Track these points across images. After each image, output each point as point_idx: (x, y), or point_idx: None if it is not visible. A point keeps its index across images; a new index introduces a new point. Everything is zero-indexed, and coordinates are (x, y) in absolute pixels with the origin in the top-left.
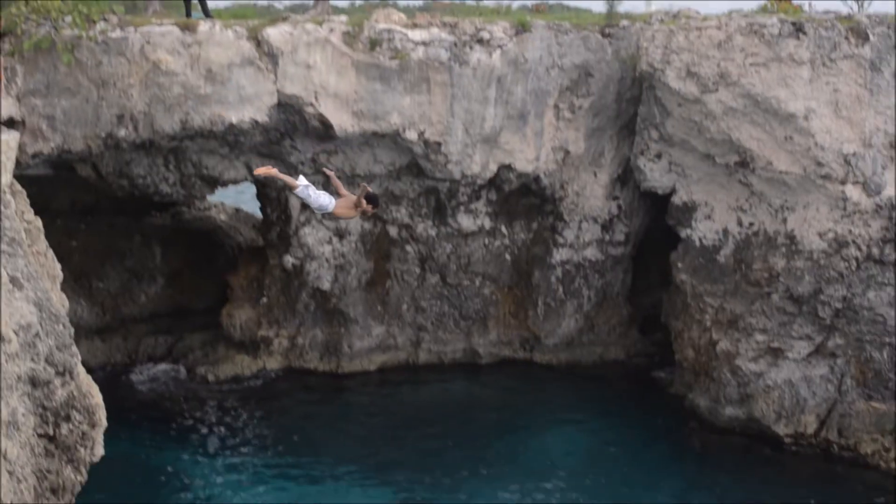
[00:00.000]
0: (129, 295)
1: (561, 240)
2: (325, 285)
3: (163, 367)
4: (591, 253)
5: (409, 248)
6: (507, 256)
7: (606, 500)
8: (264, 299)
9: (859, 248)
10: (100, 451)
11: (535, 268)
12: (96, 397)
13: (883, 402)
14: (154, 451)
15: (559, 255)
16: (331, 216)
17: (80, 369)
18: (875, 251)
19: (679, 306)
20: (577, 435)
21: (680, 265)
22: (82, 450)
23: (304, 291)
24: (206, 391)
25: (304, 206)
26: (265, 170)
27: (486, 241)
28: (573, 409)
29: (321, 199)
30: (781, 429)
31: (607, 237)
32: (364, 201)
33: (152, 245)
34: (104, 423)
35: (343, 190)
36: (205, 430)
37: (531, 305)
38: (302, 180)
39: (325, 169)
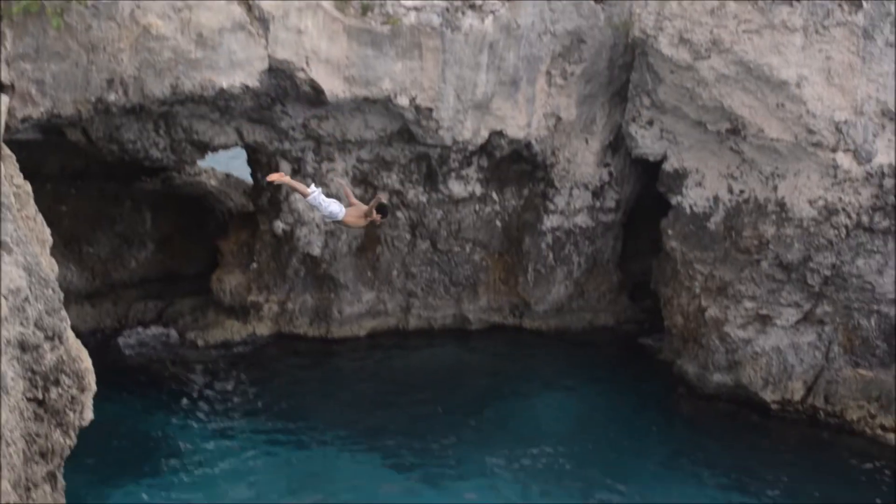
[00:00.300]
0: (118, 260)
1: (552, 206)
2: (316, 251)
3: (152, 331)
4: (582, 220)
5: (399, 214)
6: (498, 223)
7: (595, 465)
8: (254, 265)
9: (849, 216)
10: (89, 415)
11: (526, 234)
12: (85, 362)
13: (870, 370)
14: (143, 415)
15: (550, 221)
16: (340, 224)
17: (70, 334)
18: (865, 219)
19: (669, 273)
20: (566, 401)
21: (670, 232)
22: (71, 414)
23: (295, 257)
24: (195, 356)
25: (295, 171)
26: (278, 176)
27: (477, 207)
28: (562, 375)
29: (332, 206)
30: (768, 395)
31: (598, 204)
32: (374, 211)
33: (142, 210)
34: (93, 387)
35: (353, 199)
36: (194, 395)
37: (521, 272)
38: (313, 188)
39: (336, 178)
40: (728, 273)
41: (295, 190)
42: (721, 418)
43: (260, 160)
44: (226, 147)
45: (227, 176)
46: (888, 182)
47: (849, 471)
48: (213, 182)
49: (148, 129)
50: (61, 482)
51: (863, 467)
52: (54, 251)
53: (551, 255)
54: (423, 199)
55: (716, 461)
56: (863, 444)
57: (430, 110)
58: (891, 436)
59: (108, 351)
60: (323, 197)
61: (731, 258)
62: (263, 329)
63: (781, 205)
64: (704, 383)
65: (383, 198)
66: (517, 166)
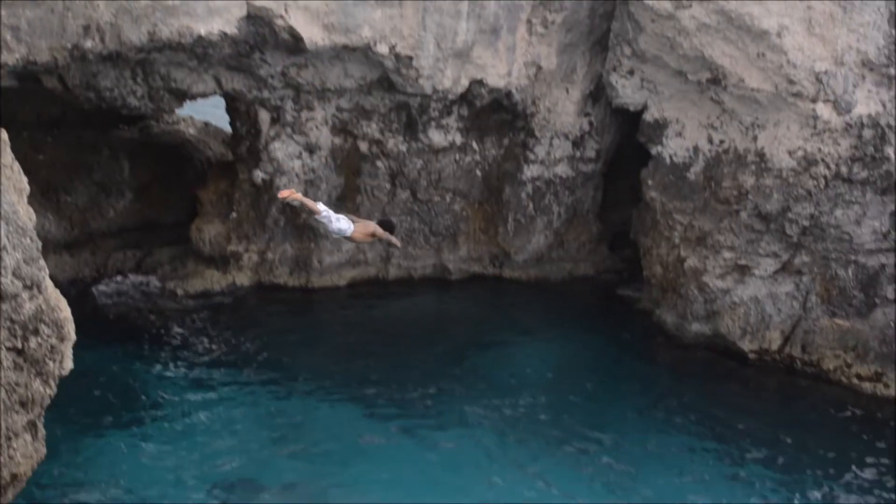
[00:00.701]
0: (97, 209)
1: (532, 156)
2: (295, 201)
3: (132, 281)
4: (562, 169)
5: (379, 163)
6: (478, 172)
7: (574, 413)
8: (234, 214)
9: (828, 167)
10: (69, 364)
11: (506, 184)
12: (65, 311)
13: (846, 320)
14: (124, 365)
15: (530, 171)
16: (348, 239)
17: (48, 283)
18: (843, 170)
19: (648, 223)
20: (546, 350)
21: (650, 182)
22: (51, 363)
23: (274, 206)
24: (175, 305)
25: (274, 120)
26: (288, 192)
27: (457, 156)
28: (542, 325)
29: (341, 223)
30: (746, 345)
31: (578, 154)
32: (380, 228)
33: (120, 159)
34: (73, 336)
35: (359, 218)
36: (174, 345)
37: (501, 222)
38: (322, 206)
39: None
40: (707, 223)
41: (305, 207)
42: (699, 367)
43: (239, 109)
44: (204, 95)
45: (206, 125)
46: (867, 133)
47: (825, 419)
48: (191, 131)
49: (125, 76)
50: (42, 431)
51: (839, 416)
52: (31, 200)
53: (531, 205)
54: (403, 148)
55: (694, 409)
56: (839, 393)
57: (410, 59)
58: (867, 384)
59: (87, 300)
60: (332, 214)
61: (711, 208)
62: (243, 279)
63: (761, 155)
64: (683, 333)
65: (393, 220)
66: (497, 116)
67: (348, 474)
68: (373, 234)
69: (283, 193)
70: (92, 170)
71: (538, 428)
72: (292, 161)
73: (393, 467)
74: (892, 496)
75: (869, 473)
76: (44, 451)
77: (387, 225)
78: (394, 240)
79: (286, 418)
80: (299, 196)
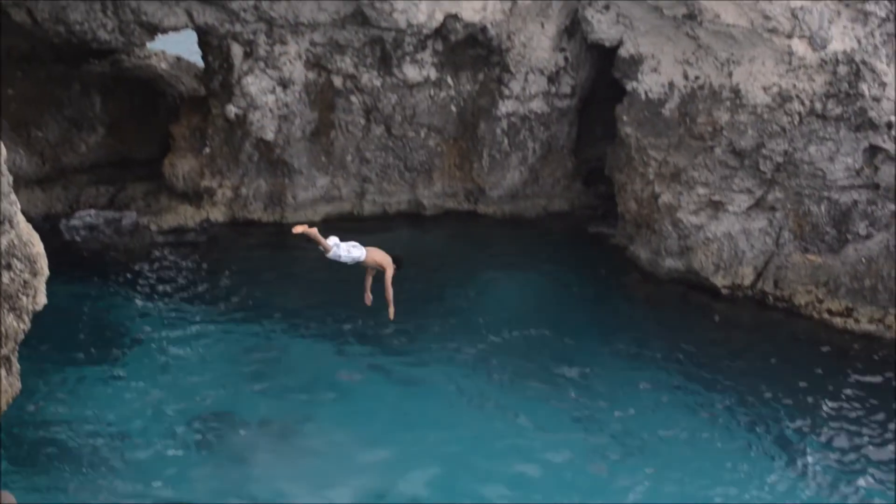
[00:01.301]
0: (68, 144)
1: (507, 91)
2: (269, 135)
3: (105, 216)
4: (537, 105)
5: (353, 98)
6: (453, 108)
7: (548, 348)
8: (207, 149)
9: (802, 103)
10: (42, 299)
11: (481, 120)
12: (37, 246)
13: (819, 255)
14: (99, 301)
15: (505, 106)
16: (361, 264)
17: (20, 218)
18: (818, 106)
19: (623, 159)
20: (521, 286)
21: (625, 118)
22: (24, 298)
23: (248, 142)
24: (149, 241)
25: (247, 55)
26: (302, 228)
27: (432, 92)
28: (517, 261)
29: (352, 252)
30: (719, 280)
31: (553, 89)
32: (389, 259)
33: (91, 94)
34: (46, 271)
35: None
36: (150, 281)
37: (476, 157)
38: (333, 240)
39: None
40: (682, 159)
41: (318, 244)
42: (672, 302)
43: (211, 43)
44: (175, 29)
45: (178, 59)
46: (842, 69)
47: (796, 353)
48: (163, 65)
49: (95, 9)
50: (16, 366)
51: (810, 350)
52: (2, 135)
53: (506, 141)
54: (378, 83)
55: (666, 344)
56: (810, 327)
57: None
58: (838, 319)
59: (60, 236)
60: (342, 244)
61: (685, 144)
62: (217, 214)
63: (736, 91)
64: (656, 268)
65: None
66: (472, 51)
67: (322, 409)
68: (380, 264)
69: (298, 229)
70: (63, 105)
71: (510, 363)
72: (265, 96)
73: (366, 402)
74: (864, 428)
75: (839, 406)
76: (18, 385)
77: (396, 260)
78: (390, 292)
79: (262, 353)
80: (313, 231)
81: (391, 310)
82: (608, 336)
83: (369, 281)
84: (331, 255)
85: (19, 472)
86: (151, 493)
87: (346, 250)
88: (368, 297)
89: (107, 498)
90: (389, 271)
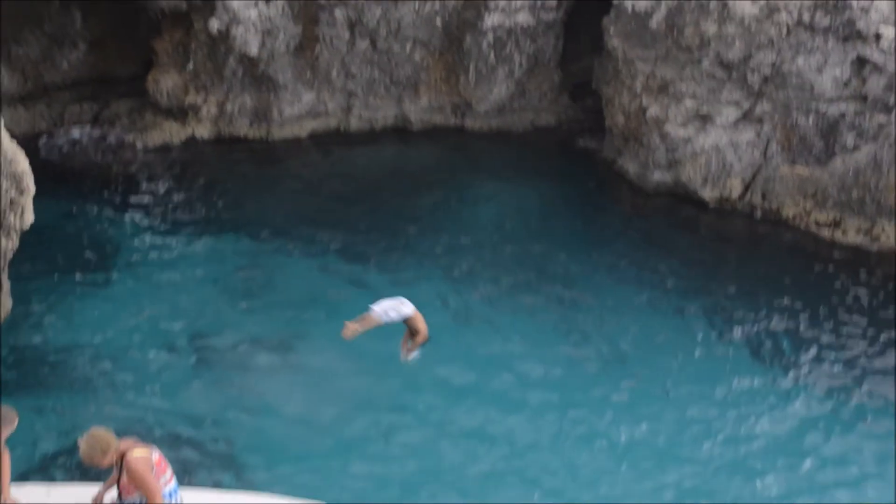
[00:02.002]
0: (50, 61)
1: (492, 4)
2: (253, 51)
3: (89, 134)
4: (523, 18)
5: (337, 12)
6: (438, 21)
7: (536, 262)
8: (190, 65)
9: (790, 14)
10: (29, 217)
11: (467, 33)
12: (23, 164)
13: (806, 167)
14: (86, 220)
15: (491, 19)
16: (406, 322)
17: (5, 135)
18: (806, 17)
19: (610, 72)
20: (508, 201)
21: (612, 30)
22: (12, 216)
23: (231, 57)
24: (135, 159)
25: None
26: (352, 331)
27: (417, 5)
28: (505, 176)
29: (401, 309)
30: (707, 193)
31: (539, 2)
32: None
33: (71, 9)
34: (32, 189)
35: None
36: (136, 199)
37: (462, 71)
38: (375, 312)
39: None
40: (669, 72)
41: (372, 325)
42: (660, 215)
43: None
44: None
45: None
46: None
47: (784, 264)
48: None
49: None
50: (6, 284)
51: (798, 260)
52: None
53: (492, 55)
54: None
55: (655, 256)
56: (798, 238)
57: None
58: (825, 231)
59: (44, 154)
60: (388, 310)
61: (673, 57)
62: (203, 131)
63: (723, 2)
64: (644, 182)
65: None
66: None
67: (309, 327)
68: (418, 328)
69: (347, 333)
70: (43, 21)
71: (498, 278)
72: (248, 10)
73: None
74: (851, 340)
75: (827, 317)
76: (10, 303)
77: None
78: (414, 348)
79: (251, 271)
80: (363, 323)
81: (408, 354)
82: (596, 249)
83: (407, 340)
84: (382, 322)
85: (15, 390)
86: (148, 408)
87: (393, 310)
88: (406, 354)
89: (103, 413)
90: (421, 338)
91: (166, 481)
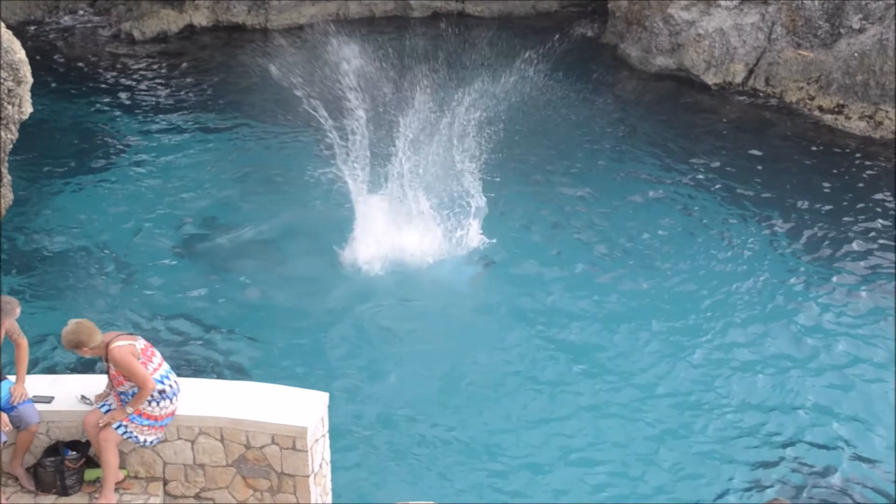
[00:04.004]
0: None
1: None
2: None
3: (86, 22)
4: None
5: None
6: None
7: (540, 149)
8: None
9: None
10: (28, 108)
11: None
12: (19, 53)
13: (811, 50)
14: (85, 109)
15: None
16: None
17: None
18: None
19: None
20: (511, 86)
21: None
22: (10, 107)
23: None
24: (133, 48)
25: None
26: None
27: None
28: (505, 61)
29: None
30: (710, 78)
31: None
32: None
33: None
34: (30, 79)
35: None
36: (134, 89)
37: None
38: None
39: None
40: None
41: None
42: (663, 100)
43: None
44: None
45: None
46: None
47: (787, 150)
48: None
49: None
50: (7, 177)
51: (801, 145)
52: None
53: None
54: None
55: (657, 140)
56: (801, 122)
57: None
58: (828, 116)
59: (41, 43)
60: None
61: None
62: (200, 18)
63: None
64: (647, 66)
65: None
66: None
67: (306, 210)
68: None
69: None
70: None
71: (498, 163)
72: None
73: (348, 205)
74: (854, 227)
75: (830, 204)
76: (11, 196)
77: None
78: None
79: (247, 162)
80: None
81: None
82: (597, 134)
83: None
84: None
85: (16, 280)
86: (144, 296)
87: None
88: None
89: (101, 302)
90: None
91: (154, 368)
